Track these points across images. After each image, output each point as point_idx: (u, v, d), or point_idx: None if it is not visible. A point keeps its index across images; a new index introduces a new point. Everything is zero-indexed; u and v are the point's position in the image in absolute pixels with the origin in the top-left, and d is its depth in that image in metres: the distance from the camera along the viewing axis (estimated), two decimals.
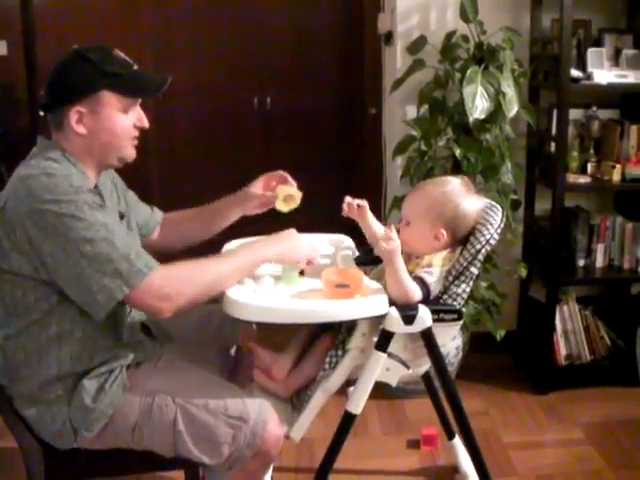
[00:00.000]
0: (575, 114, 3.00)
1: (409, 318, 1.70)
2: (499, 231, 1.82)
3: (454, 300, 1.81)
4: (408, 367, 1.77)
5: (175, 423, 1.61)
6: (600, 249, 3.04)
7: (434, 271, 1.77)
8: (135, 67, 1.68)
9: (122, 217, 1.83)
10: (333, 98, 4.28)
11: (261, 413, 1.65)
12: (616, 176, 2.89)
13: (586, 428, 2.78)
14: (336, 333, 1.83)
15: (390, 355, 1.75)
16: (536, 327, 3.10)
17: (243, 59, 4.11)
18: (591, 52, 2.87)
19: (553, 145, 2.95)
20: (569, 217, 3.04)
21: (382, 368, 1.75)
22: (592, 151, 3.01)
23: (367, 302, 1.67)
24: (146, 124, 1.72)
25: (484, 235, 1.80)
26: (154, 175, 4.12)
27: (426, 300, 1.76)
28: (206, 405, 1.63)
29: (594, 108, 2.97)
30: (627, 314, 3.19)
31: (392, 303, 1.71)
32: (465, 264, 1.79)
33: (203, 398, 1.64)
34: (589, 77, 2.83)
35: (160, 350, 1.85)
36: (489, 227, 1.82)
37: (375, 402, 2.87)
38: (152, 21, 3.99)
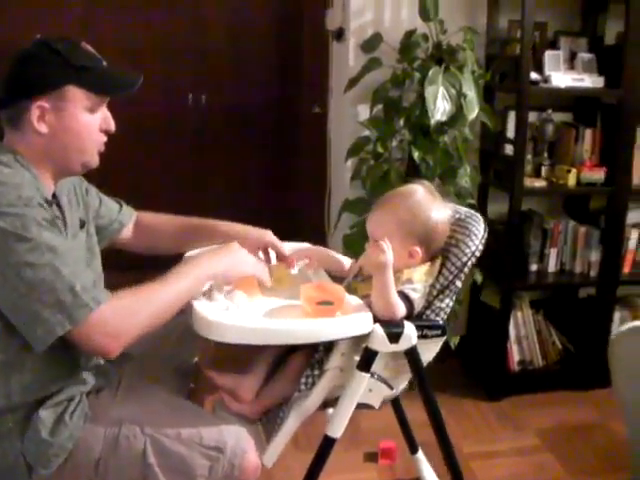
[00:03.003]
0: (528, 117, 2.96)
1: (394, 336, 1.60)
2: (483, 242, 1.74)
3: (437, 315, 1.72)
4: (392, 387, 1.67)
5: (145, 455, 1.46)
6: (553, 253, 3.02)
7: (417, 287, 1.67)
8: (104, 63, 1.53)
9: (82, 225, 1.67)
10: (272, 96, 4.13)
11: (239, 441, 1.52)
12: (571, 180, 2.87)
13: (542, 434, 2.75)
14: (310, 351, 1.71)
15: (373, 375, 1.64)
16: (488, 333, 3.05)
17: (177, 54, 3.91)
18: (549, 55, 2.83)
19: (508, 148, 2.91)
20: (523, 221, 3.00)
21: (364, 389, 1.64)
22: (546, 154, 2.98)
23: (351, 320, 1.55)
24: (112, 127, 1.56)
25: (469, 247, 1.72)
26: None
27: (409, 316, 1.66)
28: (178, 435, 1.48)
29: (549, 111, 2.94)
30: (575, 318, 3.19)
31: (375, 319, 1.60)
32: (451, 278, 1.70)
33: (174, 427, 1.50)
34: (546, 80, 2.80)
35: (120, 372, 1.68)
36: (473, 238, 1.73)
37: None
38: (82, 10, 3.74)
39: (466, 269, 1.70)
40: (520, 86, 2.68)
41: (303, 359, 1.72)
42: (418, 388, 1.71)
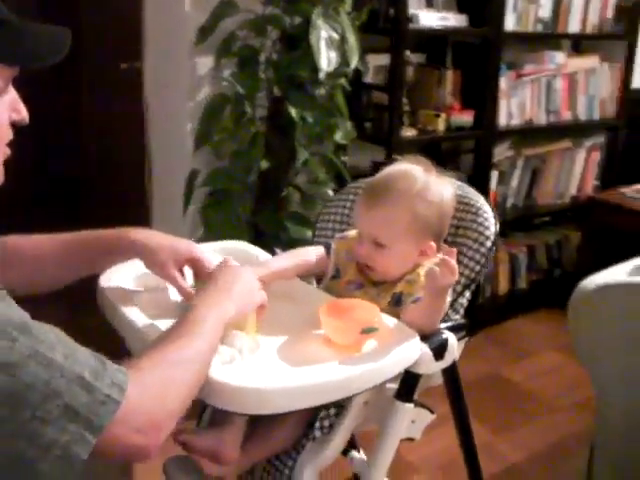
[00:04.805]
0: (380, 60, 2.73)
1: (440, 351, 1.28)
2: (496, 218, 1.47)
3: (457, 313, 1.43)
4: (432, 411, 1.36)
5: None
6: None
7: None
8: (12, 15, 0.94)
9: None
10: None
11: None
12: (441, 125, 2.70)
13: None
14: None
15: (415, 403, 1.31)
16: None
17: None
18: None
19: (377, 95, 2.67)
20: None
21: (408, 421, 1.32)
22: (405, 99, 2.77)
23: (407, 350, 1.21)
24: (26, 116, 0.99)
25: (487, 228, 1.43)
26: None
27: None
28: None
29: (407, 52, 2.72)
30: None
31: None
32: (478, 268, 1.41)
33: None
34: (411, 19, 2.56)
35: None
36: (485, 216, 1.45)
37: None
38: None
39: (491, 254, 1.43)
40: (399, 27, 2.42)
41: None
42: (454, 409, 1.42)
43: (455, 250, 1.22)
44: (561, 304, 3.02)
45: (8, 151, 0.99)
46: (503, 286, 3.16)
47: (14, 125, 0.98)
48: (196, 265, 1.33)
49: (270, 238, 2.40)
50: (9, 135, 0.98)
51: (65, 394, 0.81)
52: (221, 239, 1.70)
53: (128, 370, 0.90)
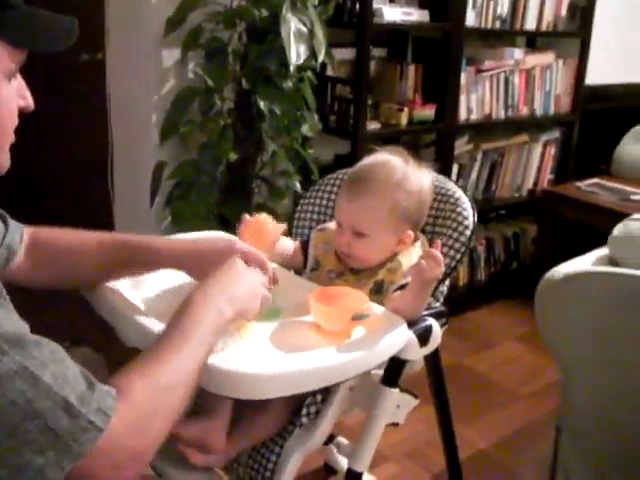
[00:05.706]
0: (343, 54, 2.75)
1: (424, 337, 1.32)
2: (473, 208, 1.52)
3: (437, 300, 1.46)
4: (416, 396, 1.39)
5: None
6: None
7: None
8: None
9: None
10: None
11: None
12: (404, 120, 2.73)
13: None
14: None
15: (401, 389, 1.34)
16: None
17: None
18: None
19: (340, 88, 2.69)
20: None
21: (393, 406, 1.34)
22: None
23: (396, 337, 1.24)
24: (31, 103, 0.99)
25: (467, 218, 1.48)
26: None
27: None
28: None
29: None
30: None
31: None
32: (458, 257, 1.45)
33: None
34: (375, 14, 2.58)
35: None
36: (464, 206, 1.50)
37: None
38: None
39: (471, 244, 1.47)
40: (365, 22, 2.44)
41: None
42: (435, 395, 1.46)
43: (440, 242, 1.26)
44: (518, 295, 3.15)
45: (14, 137, 0.98)
46: (462, 278, 3.22)
47: (20, 111, 0.98)
48: (251, 260, 1.25)
49: (237, 230, 2.40)
50: (16, 121, 0.97)
51: (47, 416, 0.78)
52: (188, 231, 1.70)
53: (118, 393, 0.86)
